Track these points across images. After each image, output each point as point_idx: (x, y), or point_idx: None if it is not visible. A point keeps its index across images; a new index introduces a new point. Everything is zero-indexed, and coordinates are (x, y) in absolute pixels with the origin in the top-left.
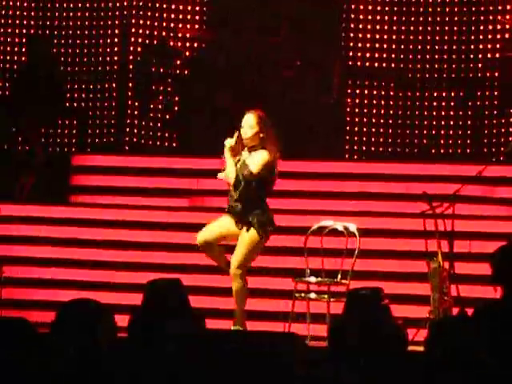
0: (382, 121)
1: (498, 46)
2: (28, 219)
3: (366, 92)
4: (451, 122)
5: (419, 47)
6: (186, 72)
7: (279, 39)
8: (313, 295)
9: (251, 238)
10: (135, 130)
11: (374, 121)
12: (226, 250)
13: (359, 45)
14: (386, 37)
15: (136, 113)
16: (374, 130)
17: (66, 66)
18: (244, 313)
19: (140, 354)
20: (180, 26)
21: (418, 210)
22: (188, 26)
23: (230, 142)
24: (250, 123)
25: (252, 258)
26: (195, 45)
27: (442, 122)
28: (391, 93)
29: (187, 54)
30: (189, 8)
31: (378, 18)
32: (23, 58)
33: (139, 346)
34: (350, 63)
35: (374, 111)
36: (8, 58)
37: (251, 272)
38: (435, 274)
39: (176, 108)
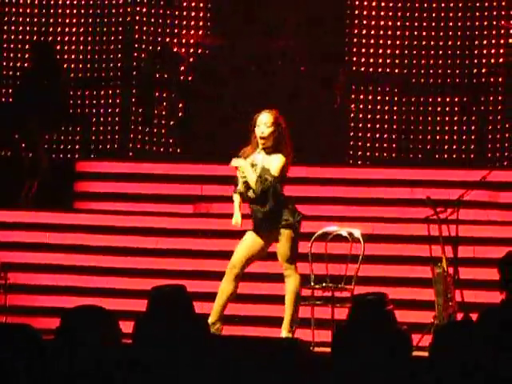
0: (385, 126)
1: (501, 51)
2: (32, 225)
3: (369, 97)
4: (455, 128)
5: (423, 52)
6: (189, 78)
7: (283, 44)
8: (317, 301)
9: (288, 236)
10: (139, 136)
11: (377, 126)
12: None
13: (363, 50)
14: (389, 42)
15: (140, 119)
16: (377, 135)
17: (70, 72)
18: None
19: (144, 359)
20: (184, 32)
21: (423, 216)
22: (192, 32)
23: (243, 162)
24: (266, 121)
25: (297, 251)
26: (199, 51)
27: (446, 128)
28: (395, 98)
29: (191, 59)
30: (193, 14)
31: (382, 23)
32: (26, 65)
33: (144, 352)
34: (354, 68)
35: (378, 116)
36: (11, 64)
37: (255, 278)
38: (440, 280)
39: (180, 114)
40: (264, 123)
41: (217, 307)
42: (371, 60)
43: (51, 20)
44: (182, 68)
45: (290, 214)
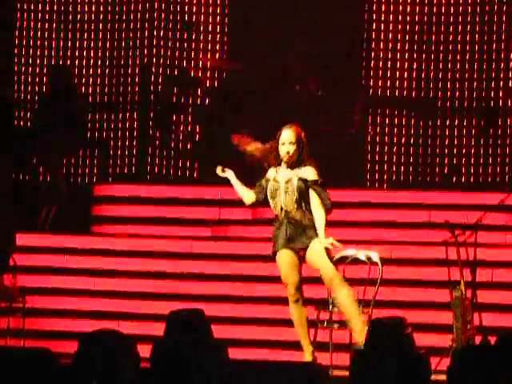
0: (402, 149)
1: None
2: (50, 249)
3: (386, 121)
4: (472, 151)
5: (440, 75)
6: (206, 102)
7: (300, 70)
8: (335, 324)
9: (322, 246)
10: (156, 160)
11: (394, 150)
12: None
13: (379, 73)
14: (406, 65)
15: (157, 143)
16: (394, 158)
17: (87, 95)
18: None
19: None
20: (201, 55)
21: (441, 239)
22: (209, 56)
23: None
24: (291, 139)
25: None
26: (216, 74)
27: (463, 151)
28: (412, 121)
29: (208, 83)
30: (210, 38)
31: (398, 46)
32: (44, 89)
33: (162, 376)
34: (371, 92)
35: (395, 140)
36: (29, 88)
37: (273, 301)
38: (458, 303)
39: (197, 138)
40: (289, 142)
41: (303, 341)
42: (388, 83)
43: (69, 44)
44: (199, 92)
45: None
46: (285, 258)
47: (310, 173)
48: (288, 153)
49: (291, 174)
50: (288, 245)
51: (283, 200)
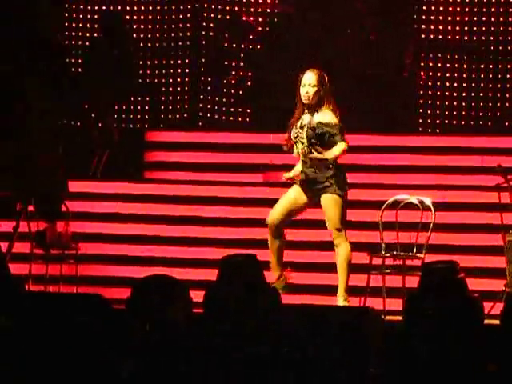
0: (455, 94)
1: None
2: (103, 196)
3: (438, 65)
4: None
5: (492, 19)
6: (258, 47)
7: (351, 12)
8: (388, 269)
9: (337, 204)
10: (208, 106)
11: (447, 94)
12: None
13: (431, 17)
14: (458, 9)
15: (209, 88)
16: (447, 103)
17: (139, 41)
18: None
19: (216, 329)
20: (253, 0)
21: (493, 183)
22: (261, 1)
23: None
24: (311, 81)
25: (345, 218)
26: (268, 19)
27: None
28: (464, 65)
29: (260, 28)
30: None
31: None
32: (95, 34)
33: (215, 321)
34: (423, 36)
35: (447, 84)
36: (80, 34)
37: (325, 247)
38: (511, 247)
39: (249, 83)
40: (308, 83)
41: (274, 265)
42: (440, 27)
43: None
44: (251, 37)
45: (340, 181)
46: (290, 194)
47: (327, 117)
48: (307, 93)
49: (307, 121)
50: (302, 187)
51: (299, 148)
